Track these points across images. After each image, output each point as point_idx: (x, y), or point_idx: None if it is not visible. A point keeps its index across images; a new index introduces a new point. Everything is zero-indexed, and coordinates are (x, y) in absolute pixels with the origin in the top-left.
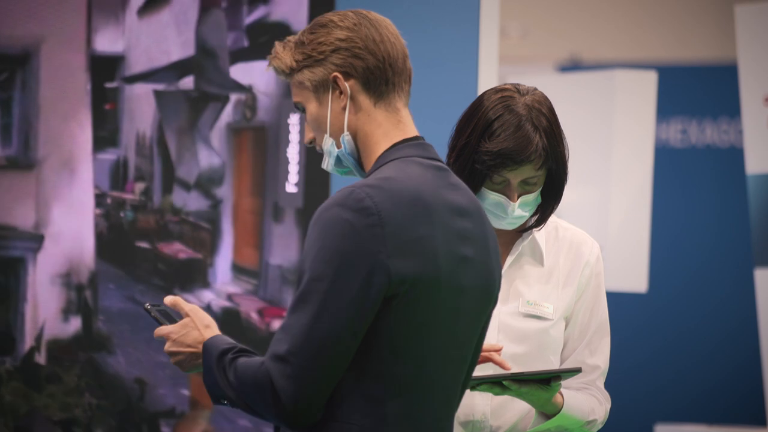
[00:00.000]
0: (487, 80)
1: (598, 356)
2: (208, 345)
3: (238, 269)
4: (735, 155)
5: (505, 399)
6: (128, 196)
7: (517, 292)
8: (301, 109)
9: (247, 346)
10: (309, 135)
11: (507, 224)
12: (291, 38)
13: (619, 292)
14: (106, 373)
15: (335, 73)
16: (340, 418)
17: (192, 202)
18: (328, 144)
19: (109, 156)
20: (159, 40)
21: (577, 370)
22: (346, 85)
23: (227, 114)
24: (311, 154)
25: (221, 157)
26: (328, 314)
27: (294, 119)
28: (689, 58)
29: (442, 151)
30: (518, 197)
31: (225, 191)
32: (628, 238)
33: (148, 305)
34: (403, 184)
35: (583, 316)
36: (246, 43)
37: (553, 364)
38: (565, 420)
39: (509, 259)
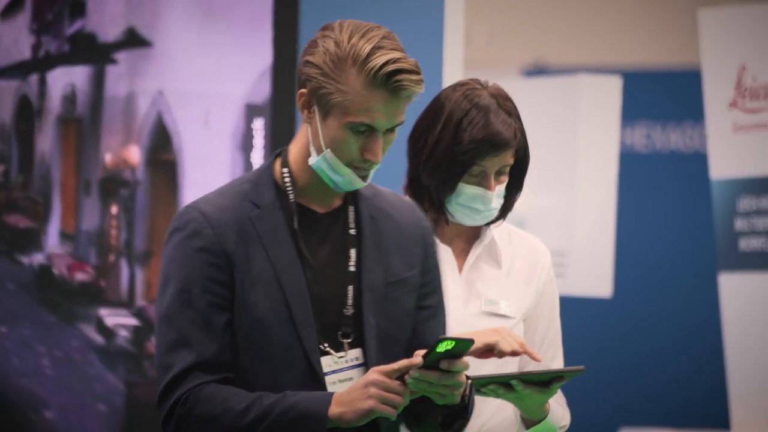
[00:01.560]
0: None
1: (557, 361)
2: None
3: (63, 235)
4: (699, 160)
5: (478, 399)
6: None
7: (478, 293)
8: (395, 128)
9: None
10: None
11: (483, 218)
12: (403, 57)
13: (584, 297)
14: None
15: None
16: None
17: None
18: None
19: None
20: (16, 41)
21: (579, 370)
22: None
23: (57, 107)
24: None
25: None
26: None
27: (258, 124)
28: (653, 63)
29: (403, 156)
30: (495, 187)
31: (55, 171)
32: (593, 243)
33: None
34: None
35: (542, 323)
36: (67, 49)
37: (514, 363)
38: (547, 427)
39: (469, 261)
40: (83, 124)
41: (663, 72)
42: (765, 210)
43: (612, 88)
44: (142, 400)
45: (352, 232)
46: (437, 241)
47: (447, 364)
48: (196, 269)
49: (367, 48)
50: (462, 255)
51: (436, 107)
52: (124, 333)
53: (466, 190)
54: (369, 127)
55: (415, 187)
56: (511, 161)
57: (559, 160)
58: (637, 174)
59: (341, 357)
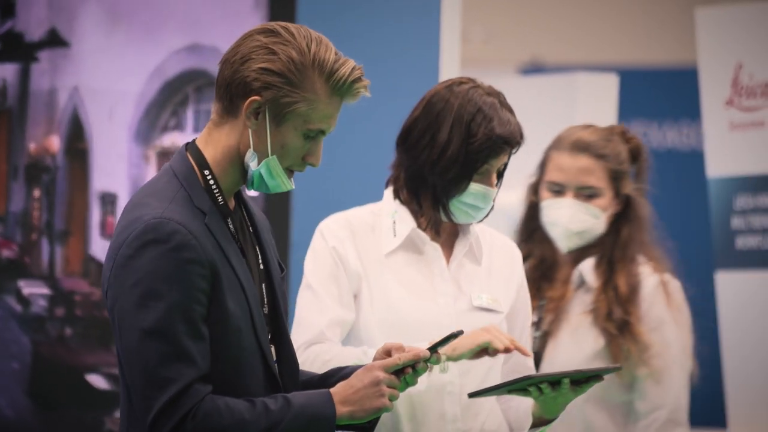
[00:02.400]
0: None
1: (531, 360)
2: None
3: None
4: (696, 158)
5: (473, 400)
6: None
7: (464, 289)
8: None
9: None
10: None
11: (481, 215)
12: (357, 64)
13: None
14: None
15: None
16: None
17: None
18: None
19: None
20: None
21: (617, 368)
22: None
23: None
24: None
25: None
26: None
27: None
28: (650, 61)
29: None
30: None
31: None
32: None
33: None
34: None
35: (519, 321)
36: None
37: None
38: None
39: (455, 258)
40: (13, 116)
41: (660, 70)
42: (762, 208)
43: (609, 87)
44: (46, 356)
45: (251, 229)
46: (428, 239)
47: (436, 357)
48: (189, 282)
49: (331, 56)
50: (446, 253)
51: (436, 107)
52: (41, 302)
53: (472, 189)
54: (320, 133)
55: (414, 187)
56: (506, 159)
57: None
58: None
59: None
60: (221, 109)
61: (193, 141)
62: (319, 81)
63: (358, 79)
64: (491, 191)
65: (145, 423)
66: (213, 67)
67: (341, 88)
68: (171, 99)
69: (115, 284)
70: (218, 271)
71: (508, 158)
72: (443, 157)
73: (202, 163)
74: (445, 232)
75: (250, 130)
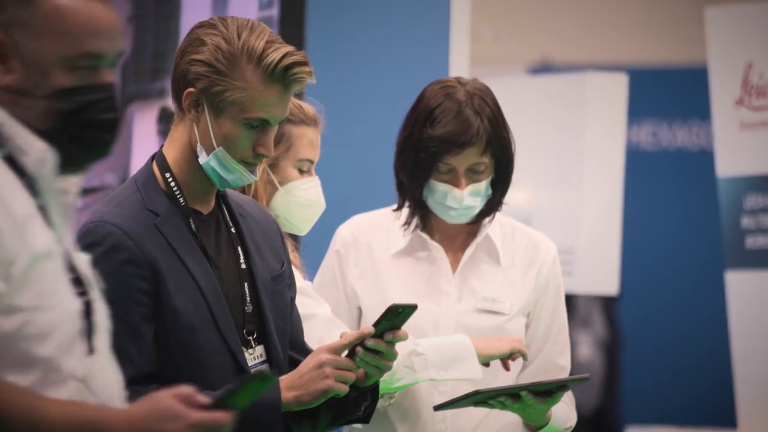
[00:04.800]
0: None
1: (565, 357)
2: None
3: None
4: (705, 158)
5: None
6: None
7: (472, 290)
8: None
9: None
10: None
11: (457, 215)
12: (295, 50)
13: (591, 294)
14: None
15: None
16: None
17: None
18: None
19: None
20: None
21: (584, 378)
22: None
23: None
24: None
25: None
26: None
27: None
28: (660, 60)
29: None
30: (466, 186)
31: None
32: (600, 240)
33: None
34: None
35: (545, 318)
36: None
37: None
38: (552, 430)
39: (464, 258)
40: None
41: (669, 70)
42: None
43: (618, 86)
44: None
45: (233, 230)
46: (427, 238)
47: (391, 336)
48: (125, 283)
49: (261, 43)
50: (460, 253)
51: (415, 102)
52: None
53: (438, 188)
54: (263, 122)
55: (398, 184)
56: (481, 159)
57: (566, 158)
58: (643, 172)
59: (251, 354)
60: (176, 109)
61: (161, 147)
62: (249, 68)
63: (294, 65)
64: (457, 191)
65: None
66: None
67: (273, 73)
68: None
69: None
70: (160, 270)
71: (503, 160)
72: (403, 153)
73: (165, 167)
74: (462, 233)
75: (194, 124)
